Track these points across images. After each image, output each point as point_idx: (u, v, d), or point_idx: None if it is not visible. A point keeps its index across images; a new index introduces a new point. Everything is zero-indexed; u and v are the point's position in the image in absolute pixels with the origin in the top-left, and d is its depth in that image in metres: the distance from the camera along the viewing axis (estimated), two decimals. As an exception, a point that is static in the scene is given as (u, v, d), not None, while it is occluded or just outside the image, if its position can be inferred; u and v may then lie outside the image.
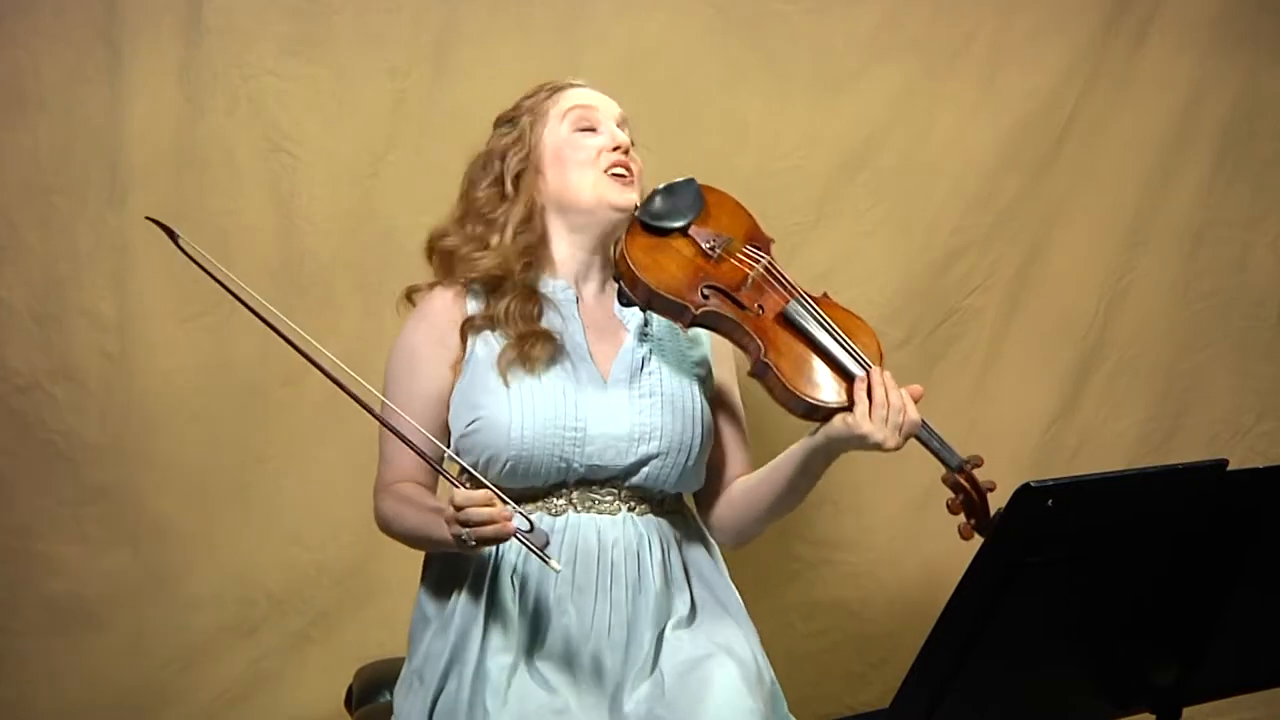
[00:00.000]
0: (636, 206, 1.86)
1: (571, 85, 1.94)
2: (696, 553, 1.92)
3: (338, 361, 1.74)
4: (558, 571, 1.69)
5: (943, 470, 1.77)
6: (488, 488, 1.67)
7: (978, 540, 1.77)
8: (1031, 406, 2.81)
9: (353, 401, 1.74)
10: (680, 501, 1.93)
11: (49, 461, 2.41)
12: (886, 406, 1.71)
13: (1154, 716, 1.62)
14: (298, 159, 2.45)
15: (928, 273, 2.73)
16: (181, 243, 1.77)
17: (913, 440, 1.76)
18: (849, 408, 1.73)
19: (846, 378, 1.75)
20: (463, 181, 1.95)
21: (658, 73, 2.54)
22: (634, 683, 1.77)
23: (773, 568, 2.70)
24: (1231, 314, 2.89)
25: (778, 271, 1.84)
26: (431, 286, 1.92)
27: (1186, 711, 1.62)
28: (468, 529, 1.64)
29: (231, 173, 2.43)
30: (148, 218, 1.81)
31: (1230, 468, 1.44)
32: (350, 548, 2.51)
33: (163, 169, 2.40)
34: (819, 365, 1.77)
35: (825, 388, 1.75)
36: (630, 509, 1.84)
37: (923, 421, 1.74)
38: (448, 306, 1.88)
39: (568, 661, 1.77)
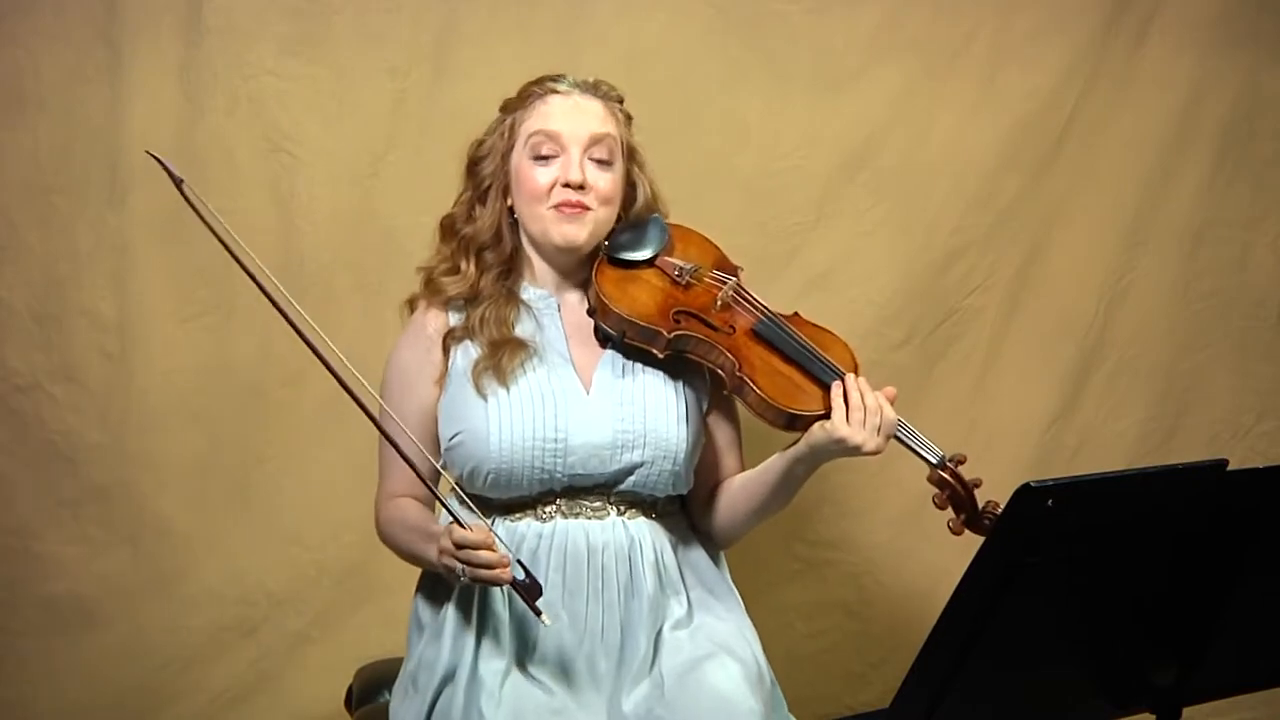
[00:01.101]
0: (580, 245, 1.85)
1: (554, 90, 1.87)
2: (695, 554, 1.92)
3: (344, 360, 1.71)
4: (547, 625, 1.68)
5: (926, 470, 1.79)
6: (486, 525, 1.69)
7: (976, 540, 1.77)
8: (1031, 406, 2.81)
9: (353, 401, 1.74)
10: (675, 503, 1.92)
11: (49, 461, 2.41)
12: (863, 410, 1.73)
13: (1154, 716, 1.62)
14: (298, 159, 2.45)
15: (928, 273, 2.73)
16: (186, 190, 1.66)
17: (896, 444, 1.77)
18: (826, 414, 1.74)
19: (822, 386, 1.78)
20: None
21: (658, 73, 2.53)
22: (632, 684, 1.77)
23: (773, 568, 2.70)
24: (1231, 314, 2.89)
25: (746, 293, 1.88)
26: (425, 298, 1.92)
27: (1186, 711, 1.62)
28: (464, 566, 1.66)
29: (231, 173, 2.43)
30: (148, 152, 1.69)
31: (1230, 468, 1.44)
32: (350, 548, 2.51)
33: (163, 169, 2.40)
34: (794, 376, 1.80)
35: (801, 397, 1.78)
36: (620, 513, 1.84)
37: (900, 421, 1.76)
38: (432, 320, 1.88)
39: (562, 665, 1.77)
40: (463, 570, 1.66)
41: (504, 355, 1.81)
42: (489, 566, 1.64)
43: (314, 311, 2.45)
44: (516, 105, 1.89)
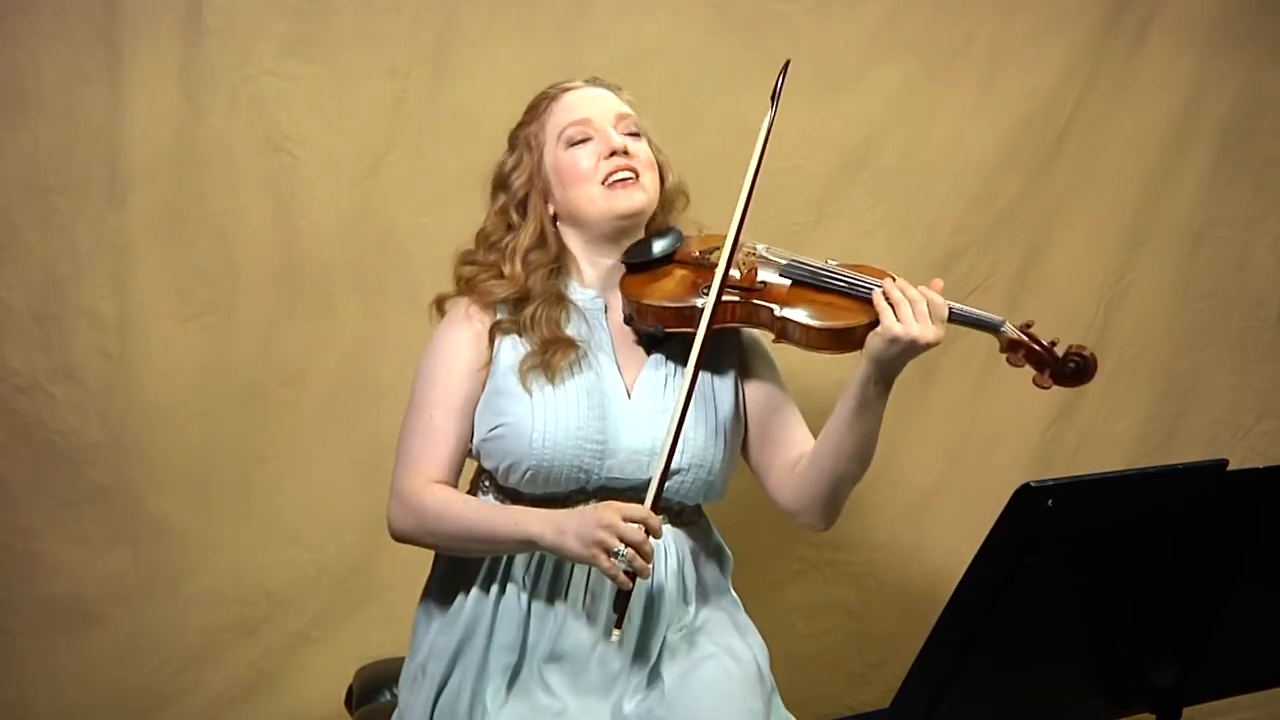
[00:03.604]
0: (642, 210, 1.86)
1: (566, 89, 1.90)
2: (709, 568, 1.92)
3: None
4: (615, 640, 1.71)
5: (995, 342, 1.79)
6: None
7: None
8: (1031, 406, 2.81)
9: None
10: (698, 513, 1.92)
11: (49, 461, 2.41)
12: (909, 303, 1.71)
13: (1154, 716, 1.62)
14: (298, 159, 2.45)
15: (928, 273, 2.69)
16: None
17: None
18: (874, 322, 1.73)
19: (863, 298, 1.77)
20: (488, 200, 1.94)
21: (658, 73, 2.54)
22: (635, 685, 1.78)
23: (774, 568, 2.70)
24: (1231, 314, 2.89)
25: (770, 252, 1.88)
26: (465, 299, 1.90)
27: (1186, 711, 1.62)
28: (626, 547, 1.62)
29: (231, 173, 2.43)
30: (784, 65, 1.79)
31: (1230, 468, 1.44)
32: (350, 548, 2.51)
33: (163, 169, 2.40)
34: (834, 301, 1.80)
35: (845, 314, 1.77)
36: None
37: (951, 304, 1.74)
38: (479, 312, 1.86)
39: (574, 665, 1.77)
40: (623, 552, 1.62)
41: (555, 353, 1.80)
42: (646, 557, 1.63)
43: (314, 312, 2.49)
44: (531, 119, 1.90)
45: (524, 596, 1.79)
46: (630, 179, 1.85)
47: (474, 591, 1.81)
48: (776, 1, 2.62)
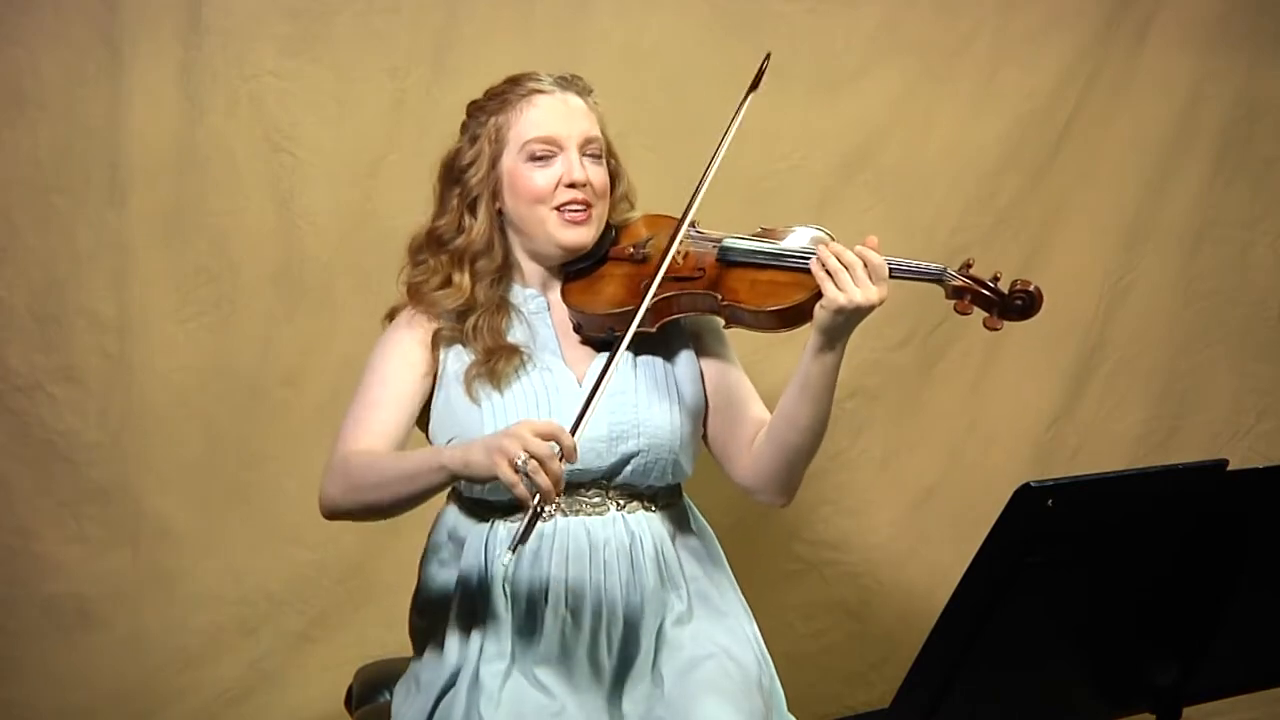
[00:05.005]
0: (587, 245, 1.84)
1: (538, 90, 1.84)
2: (693, 544, 1.90)
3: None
4: (505, 565, 1.69)
5: (940, 290, 1.75)
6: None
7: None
8: (1031, 406, 2.82)
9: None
10: (675, 495, 1.91)
11: (49, 461, 2.41)
12: (846, 269, 1.69)
13: (1154, 716, 1.62)
14: (298, 159, 2.45)
15: (928, 273, 2.73)
16: None
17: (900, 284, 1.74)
18: (818, 294, 1.71)
19: (801, 271, 1.75)
20: (436, 184, 1.90)
21: (658, 72, 2.54)
22: (633, 682, 1.78)
23: (773, 568, 2.70)
24: (1231, 314, 2.90)
25: (701, 233, 1.86)
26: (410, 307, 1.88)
27: (1186, 711, 1.62)
28: (528, 459, 1.54)
29: (231, 173, 2.44)
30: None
31: (1230, 468, 1.44)
32: (350, 548, 2.51)
33: (163, 169, 2.41)
34: (774, 278, 1.78)
35: (787, 291, 1.76)
36: (619, 507, 1.82)
37: (890, 260, 1.72)
38: (423, 322, 1.85)
39: (564, 664, 1.77)
40: (526, 463, 1.54)
41: (499, 360, 1.80)
42: (552, 476, 1.54)
43: (313, 311, 2.49)
44: (500, 108, 1.85)
45: (506, 604, 1.78)
46: (582, 212, 1.83)
47: (459, 601, 1.81)
48: (776, 1, 2.62)
